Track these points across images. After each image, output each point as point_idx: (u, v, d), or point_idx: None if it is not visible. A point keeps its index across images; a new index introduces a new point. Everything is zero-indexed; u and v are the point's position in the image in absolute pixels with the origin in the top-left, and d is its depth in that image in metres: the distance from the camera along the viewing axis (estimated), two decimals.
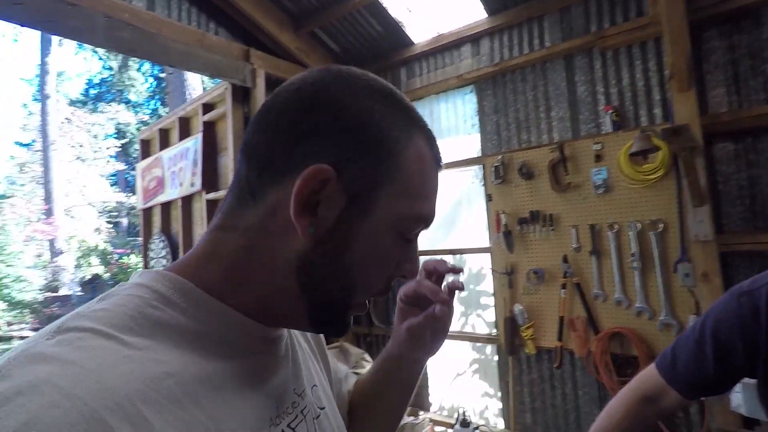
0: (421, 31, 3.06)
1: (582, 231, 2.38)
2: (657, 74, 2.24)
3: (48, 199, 11.32)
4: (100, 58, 14.36)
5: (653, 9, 2.19)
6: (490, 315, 2.82)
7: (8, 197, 12.52)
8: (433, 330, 0.64)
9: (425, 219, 0.47)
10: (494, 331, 2.76)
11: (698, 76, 2.12)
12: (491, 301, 2.79)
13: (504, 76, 2.77)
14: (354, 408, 0.72)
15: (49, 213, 11.10)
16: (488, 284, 2.81)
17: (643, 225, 2.20)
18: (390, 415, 0.73)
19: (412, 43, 3.14)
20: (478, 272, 2.90)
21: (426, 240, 3.15)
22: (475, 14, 2.80)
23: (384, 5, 2.86)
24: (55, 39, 12.01)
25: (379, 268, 0.46)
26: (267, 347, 0.47)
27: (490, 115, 2.83)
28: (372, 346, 3.34)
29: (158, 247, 3.65)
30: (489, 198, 2.71)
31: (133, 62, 14.04)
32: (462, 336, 2.91)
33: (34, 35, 12.29)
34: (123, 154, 14.55)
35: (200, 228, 3.32)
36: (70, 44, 13.19)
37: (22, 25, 2.46)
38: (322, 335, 0.68)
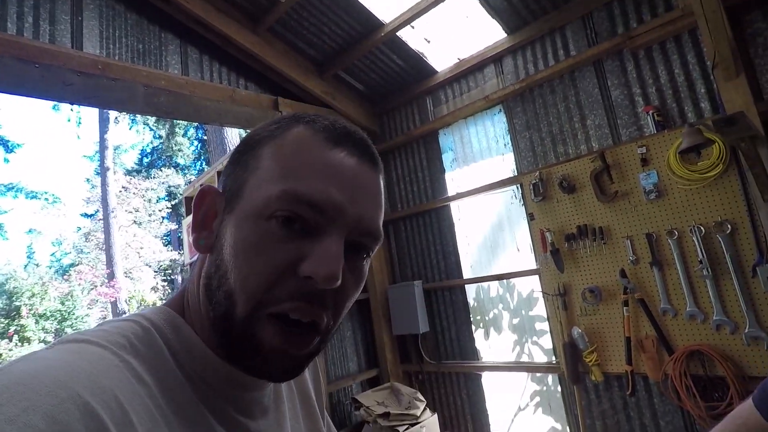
0: (442, 59, 3.08)
1: (638, 241, 2.19)
2: (698, 66, 2.11)
3: (110, 263, 12.06)
4: (151, 129, 15.57)
5: (683, 1, 2.09)
6: (547, 341, 2.61)
7: (76, 265, 13.49)
8: None
9: (297, 197, 0.39)
10: (554, 358, 2.55)
11: (746, 61, 1.97)
12: (546, 326, 2.59)
13: (532, 91, 2.71)
14: None
15: (111, 276, 11.80)
16: (541, 308, 2.63)
17: (707, 228, 2.00)
18: None
19: (435, 72, 3.16)
20: (529, 296, 2.73)
21: (470, 267, 3.02)
22: (495, 35, 2.79)
23: (403, 39, 2.92)
24: (112, 116, 13.20)
25: (250, 262, 0.39)
26: (247, 393, 0.45)
27: (522, 132, 2.75)
28: (424, 384, 3.18)
29: None
30: (531, 217, 2.58)
31: (180, 128, 15.13)
32: (519, 366, 2.71)
33: (93, 115, 13.56)
34: (174, 214, 15.43)
35: None
36: (125, 120, 14.44)
37: (73, 103, 2.69)
38: (316, 371, 0.65)
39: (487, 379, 2.92)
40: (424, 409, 2.72)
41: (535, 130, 2.69)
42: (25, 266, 14.47)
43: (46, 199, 15.16)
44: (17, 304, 8.71)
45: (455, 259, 3.07)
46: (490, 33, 2.79)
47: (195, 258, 0.49)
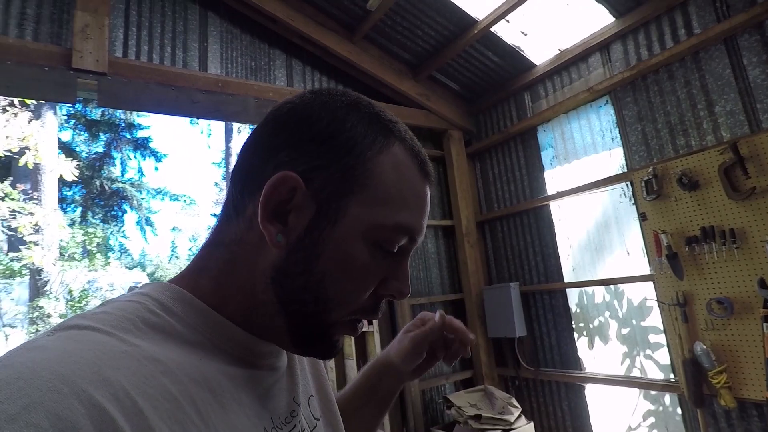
0: (540, 51, 2.92)
1: None
2: None
3: None
4: None
5: None
6: (664, 356, 2.33)
7: None
8: (430, 350, 0.68)
9: (406, 230, 0.43)
10: (672, 376, 2.27)
11: None
12: (662, 339, 2.31)
13: (645, 78, 2.44)
14: None
15: None
16: (656, 319, 2.35)
17: None
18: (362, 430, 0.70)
19: (533, 66, 3.01)
20: (641, 304, 2.46)
21: (571, 270, 2.82)
22: (601, 20, 2.57)
23: (498, 35, 2.83)
24: (235, 127, 14.84)
25: (354, 280, 0.42)
26: (263, 359, 0.46)
27: (633, 124, 2.49)
28: (521, 390, 3.04)
29: None
30: (643, 217, 2.33)
31: None
32: (629, 381, 2.46)
33: (220, 127, 15.33)
34: None
35: None
36: (246, 130, 16.12)
37: (198, 118, 3.09)
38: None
39: (592, 391, 2.70)
40: (519, 416, 2.61)
41: (649, 121, 2.42)
42: (170, 259, 16.94)
43: (185, 201, 17.55)
44: None
45: (555, 261, 2.89)
46: (595, 19, 2.58)
47: (211, 231, 0.47)
